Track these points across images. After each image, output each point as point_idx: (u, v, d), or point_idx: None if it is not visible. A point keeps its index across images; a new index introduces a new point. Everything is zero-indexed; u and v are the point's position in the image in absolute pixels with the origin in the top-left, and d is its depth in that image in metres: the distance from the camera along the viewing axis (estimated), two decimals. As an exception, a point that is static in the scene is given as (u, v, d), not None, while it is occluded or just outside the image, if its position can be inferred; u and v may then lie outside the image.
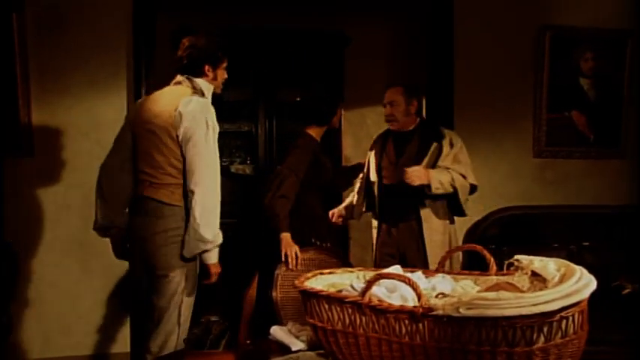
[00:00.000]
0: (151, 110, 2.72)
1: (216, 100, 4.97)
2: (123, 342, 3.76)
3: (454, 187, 3.23)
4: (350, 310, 1.73)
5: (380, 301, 1.68)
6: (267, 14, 4.90)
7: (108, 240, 3.69)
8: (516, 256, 1.94)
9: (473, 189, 3.35)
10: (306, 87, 5.06)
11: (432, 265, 3.14)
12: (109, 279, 3.78)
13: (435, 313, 1.54)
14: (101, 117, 3.71)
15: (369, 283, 1.68)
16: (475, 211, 4.15)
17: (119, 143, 2.81)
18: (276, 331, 2.09)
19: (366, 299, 1.68)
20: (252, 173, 5.10)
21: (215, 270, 2.63)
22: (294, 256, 3.00)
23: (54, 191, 3.70)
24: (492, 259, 1.99)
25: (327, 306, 1.79)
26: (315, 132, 3.51)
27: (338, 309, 1.76)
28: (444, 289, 1.88)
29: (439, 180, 3.21)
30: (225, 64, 2.90)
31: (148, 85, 3.79)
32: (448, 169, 3.26)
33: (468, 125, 4.18)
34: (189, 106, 2.73)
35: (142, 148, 2.72)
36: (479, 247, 2.00)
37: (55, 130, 3.68)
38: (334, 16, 5.03)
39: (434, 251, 3.19)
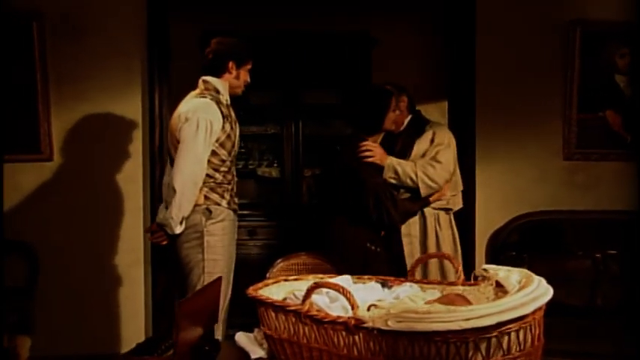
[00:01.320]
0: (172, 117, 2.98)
1: (243, 103, 5.07)
2: (138, 341, 3.81)
3: (414, 182, 3.07)
4: (293, 319, 1.66)
5: (318, 310, 1.60)
6: (292, 17, 4.89)
7: (123, 242, 3.83)
8: (484, 266, 1.82)
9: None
10: (332, 89, 5.05)
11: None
12: (124, 280, 3.84)
13: (365, 325, 1.46)
14: (116, 122, 3.79)
15: (308, 292, 1.61)
16: (497, 216, 4.01)
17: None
18: (241, 338, 2.03)
19: (305, 308, 1.61)
20: (279, 176, 5.09)
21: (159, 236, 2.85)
22: None
23: (71, 194, 3.80)
24: (460, 269, 1.87)
25: (273, 314, 1.73)
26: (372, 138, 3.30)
27: (283, 317, 1.69)
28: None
29: (395, 169, 3.08)
30: (249, 66, 3.00)
31: (162, 91, 3.84)
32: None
33: (491, 127, 4.05)
34: (186, 107, 2.84)
35: (171, 154, 2.94)
36: (447, 255, 1.89)
37: (72, 135, 3.79)
38: (360, 17, 4.97)
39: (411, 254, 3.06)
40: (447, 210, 3.21)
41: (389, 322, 1.41)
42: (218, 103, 2.86)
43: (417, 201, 3.10)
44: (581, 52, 4.05)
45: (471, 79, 4.04)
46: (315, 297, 1.65)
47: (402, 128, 3.29)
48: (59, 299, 3.76)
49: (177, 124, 2.83)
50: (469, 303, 1.64)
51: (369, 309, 1.54)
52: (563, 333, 3.44)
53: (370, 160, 3.08)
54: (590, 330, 3.41)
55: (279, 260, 2.88)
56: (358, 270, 2.92)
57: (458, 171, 3.31)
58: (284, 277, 2.04)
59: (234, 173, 3.01)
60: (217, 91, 2.91)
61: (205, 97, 2.86)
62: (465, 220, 4.06)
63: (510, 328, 1.41)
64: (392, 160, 3.11)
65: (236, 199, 3.00)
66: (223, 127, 2.85)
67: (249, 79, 3.04)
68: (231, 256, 2.90)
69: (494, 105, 4.03)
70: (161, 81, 3.88)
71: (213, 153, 2.84)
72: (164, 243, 2.91)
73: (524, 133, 4.06)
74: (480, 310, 1.38)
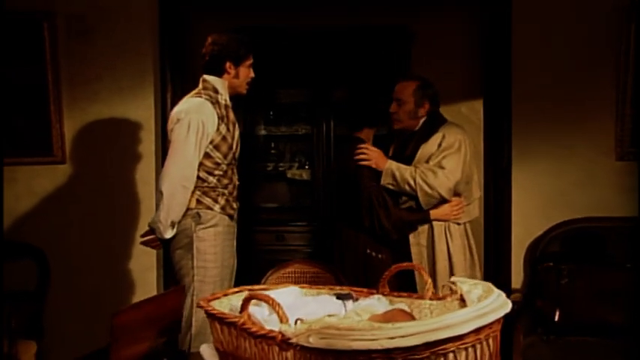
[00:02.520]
0: None
1: (272, 103, 5.08)
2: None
3: (412, 189, 2.99)
4: (235, 332, 1.64)
5: (254, 323, 1.57)
6: (324, 11, 4.86)
7: (137, 245, 3.90)
8: (452, 278, 1.74)
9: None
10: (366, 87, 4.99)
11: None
12: (138, 285, 3.93)
13: (291, 341, 1.41)
14: (129, 124, 3.88)
15: (244, 303, 1.58)
16: (536, 223, 3.84)
17: None
18: (205, 350, 2.03)
19: (241, 321, 1.58)
20: (309, 178, 5.07)
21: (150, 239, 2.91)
22: None
23: (84, 197, 3.91)
24: (430, 281, 1.78)
25: (218, 326, 1.71)
26: (365, 135, 3.34)
27: (226, 329, 1.68)
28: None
29: (393, 174, 3.00)
30: (249, 62, 3.01)
31: (175, 91, 3.91)
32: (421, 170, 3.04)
33: (529, 124, 3.89)
34: (179, 107, 2.87)
35: None
36: (417, 267, 1.81)
37: (85, 137, 3.90)
38: (396, 11, 4.87)
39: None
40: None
41: (310, 339, 1.36)
42: (214, 103, 2.88)
43: (415, 212, 3.00)
44: (638, 38, 3.80)
45: (507, 71, 3.87)
46: (253, 309, 1.62)
47: (415, 129, 3.19)
48: (71, 304, 3.88)
49: (170, 125, 2.87)
50: (413, 319, 1.55)
51: (295, 323, 1.48)
52: (605, 355, 3.25)
53: (366, 163, 3.01)
54: (637, 353, 3.19)
55: (271, 271, 2.87)
56: (361, 277, 2.90)
57: (475, 177, 3.20)
58: (249, 287, 2.01)
59: (234, 177, 3.01)
60: (216, 91, 2.93)
61: (201, 96, 2.89)
62: (499, 227, 3.93)
63: (446, 349, 1.34)
64: (391, 165, 3.04)
65: (235, 205, 3.00)
66: (218, 128, 2.86)
67: (252, 74, 3.04)
68: (224, 264, 2.89)
69: (533, 100, 3.86)
70: (174, 81, 3.94)
71: (207, 156, 2.86)
72: (156, 248, 2.96)
73: (568, 131, 3.85)
74: (407, 329, 1.31)
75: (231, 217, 2.96)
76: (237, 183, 3.04)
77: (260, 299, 1.51)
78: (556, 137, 3.86)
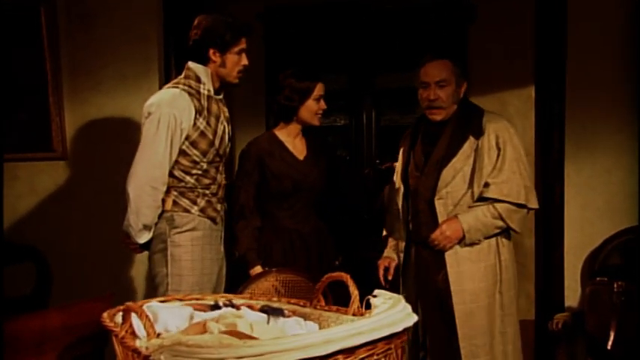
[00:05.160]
0: None
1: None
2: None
3: (505, 223, 2.94)
4: (118, 344, 1.68)
5: (133, 334, 1.60)
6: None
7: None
8: (376, 291, 1.70)
9: (522, 206, 2.96)
10: (413, 71, 4.90)
11: (456, 298, 2.93)
12: (141, 287, 4.08)
13: (152, 357, 1.44)
14: (133, 115, 4.02)
15: (124, 315, 1.62)
16: (594, 231, 3.66)
17: None
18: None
19: (121, 333, 1.61)
20: (348, 175, 5.06)
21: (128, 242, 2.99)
22: None
23: (87, 195, 4.11)
24: (356, 293, 1.76)
25: (113, 337, 1.76)
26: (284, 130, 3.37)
27: (115, 340, 1.72)
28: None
29: (476, 227, 2.93)
30: (237, 49, 2.98)
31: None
32: (489, 200, 2.93)
33: (585, 113, 3.68)
34: (150, 99, 2.92)
35: None
36: (345, 277, 1.78)
37: (87, 130, 4.11)
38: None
39: (460, 283, 2.94)
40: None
41: (162, 356, 1.39)
42: (193, 94, 2.91)
43: None
44: None
45: (561, 57, 3.71)
46: (136, 321, 1.65)
47: (444, 118, 3.06)
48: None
49: (142, 119, 2.94)
50: (248, 338, 1.55)
51: (158, 336, 1.50)
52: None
53: (450, 246, 2.95)
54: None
55: (251, 278, 2.90)
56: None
57: None
58: (180, 296, 2.05)
59: (219, 177, 3.05)
60: (199, 80, 2.96)
61: (178, 87, 2.93)
62: (549, 233, 3.76)
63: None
64: (464, 223, 2.93)
65: (219, 206, 3.06)
66: (195, 123, 2.89)
67: (246, 62, 3.02)
68: (203, 272, 2.95)
69: (588, 87, 3.69)
70: (180, 68, 4.01)
71: (183, 153, 2.91)
72: (136, 251, 3.06)
73: (629, 124, 3.64)
74: (258, 348, 1.31)
75: (213, 219, 3.01)
76: (223, 183, 3.08)
77: (133, 311, 1.54)
78: (617, 130, 3.68)
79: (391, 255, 3.24)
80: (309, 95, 3.22)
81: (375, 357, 1.39)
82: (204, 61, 2.97)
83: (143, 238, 2.93)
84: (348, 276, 1.79)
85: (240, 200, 3.20)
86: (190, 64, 3.00)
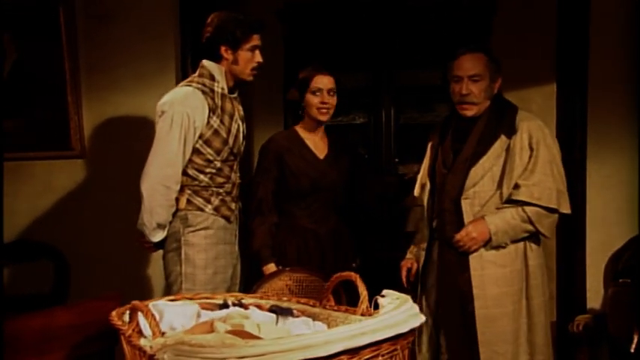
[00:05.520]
0: None
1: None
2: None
3: (534, 226, 2.86)
4: (125, 342, 1.70)
5: (139, 332, 1.61)
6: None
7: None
8: (384, 291, 1.69)
9: (553, 210, 2.89)
10: (434, 67, 4.86)
11: (478, 302, 2.87)
12: (157, 284, 4.09)
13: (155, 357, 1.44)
14: (150, 114, 4.02)
15: (132, 313, 1.62)
16: (618, 230, 3.62)
17: None
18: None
19: (128, 331, 1.62)
20: (367, 174, 5.03)
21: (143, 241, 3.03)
22: None
23: (105, 193, 4.14)
24: (365, 293, 1.74)
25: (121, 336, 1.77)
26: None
27: (122, 339, 1.73)
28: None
29: (504, 230, 2.84)
30: (249, 45, 2.98)
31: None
32: (518, 203, 2.85)
33: (607, 114, 3.68)
34: (164, 98, 2.93)
35: None
36: (354, 276, 1.77)
37: (104, 129, 4.13)
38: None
39: (483, 287, 2.88)
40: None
41: (165, 355, 1.39)
42: (207, 92, 2.93)
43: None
44: None
45: (584, 52, 3.66)
46: (143, 320, 1.66)
47: (476, 114, 2.98)
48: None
49: (156, 117, 2.95)
50: (254, 338, 1.54)
51: (163, 335, 1.51)
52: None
53: (476, 247, 2.88)
54: None
55: (264, 278, 2.90)
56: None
57: None
58: (190, 295, 2.06)
59: (233, 175, 3.06)
60: (212, 78, 2.98)
61: (191, 85, 2.94)
62: (571, 232, 3.71)
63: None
64: (491, 225, 2.84)
65: (233, 205, 3.06)
66: (209, 121, 2.90)
67: (259, 59, 3.01)
68: (217, 271, 2.95)
69: (614, 82, 3.66)
70: (196, 67, 4.03)
71: (197, 152, 2.92)
72: (150, 250, 3.07)
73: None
74: (259, 348, 1.31)
75: (227, 218, 3.01)
76: (237, 182, 3.09)
77: (140, 310, 1.54)
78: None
79: (414, 256, 3.19)
80: (307, 87, 3.19)
81: (381, 358, 1.38)
82: (217, 58, 2.99)
83: (157, 236, 2.94)
84: (357, 276, 1.78)
85: (258, 195, 3.19)
86: (204, 62, 3.02)
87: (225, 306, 1.84)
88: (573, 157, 3.68)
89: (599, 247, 3.67)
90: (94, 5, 4.08)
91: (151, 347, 1.42)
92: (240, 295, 2.00)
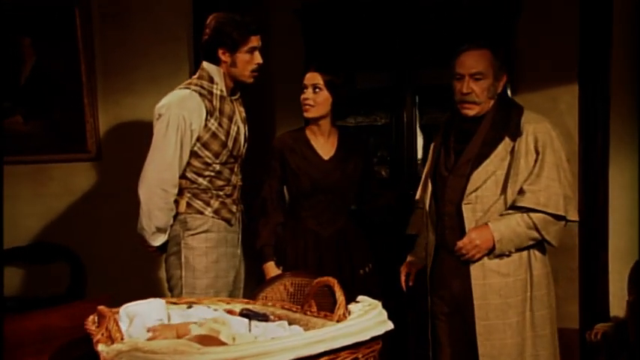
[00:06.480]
0: None
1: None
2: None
3: (532, 235, 2.75)
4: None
5: (109, 337, 1.60)
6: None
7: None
8: (359, 297, 1.65)
9: (561, 218, 2.77)
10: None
11: (479, 313, 2.78)
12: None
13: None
14: (164, 116, 4.07)
15: (99, 318, 1.62)
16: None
17: None
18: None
19: (97, 335, 1.61)
20: (388, 176, 4.98)
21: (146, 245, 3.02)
22: None
23: (121, 196, 4.12)
24: (342, 299, 1.70)
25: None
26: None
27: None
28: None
29: (509, 237, 2.73)
30: (247, 47, 2.95)
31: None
32: (522, 209, 2.74)
33: (629, 114, 3.55)
34: (162, 101, 2.94)
35: None
36: (332, 281, 1.74)
37: (120, 131, 4.18)
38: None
39: (485, 297, 2.78)
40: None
41: (121, 360, 1.37)
42: (205, 94, 2.92)
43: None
44: None
45: (606, 50, 3.56)
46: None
47: (478, 114, 2.85)
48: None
49: (153, 120, 2.96)
50: (221, 344, 1.52)
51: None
52: None
53: (480, 255, 2.77)
54: None
55: (266, 282, 2.88)
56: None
57: None
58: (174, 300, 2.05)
59: (234, 178, 3.05)
60: (212, 80, 2.97)
61: (190, 87, 2.94)
62: (594, 237, 3.62)
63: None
64: (495, 232, 2.73)
65: (234, 208, 3.05)
66: (206, 124, 2.90)
67: (259, 60, 2.98)
68: (218, 275, 2.95)
69: (637, 82, 3.51)
70: (210, 68, 4.06)
71: (195, 155, 2.92)
72: (156, 255, 3.08)
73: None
74: (213, 354, 1.28)
75: (228, 221, 3.01)
76: (238, 184, 3.08)
77: (104, 314, 1.53)
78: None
79: (414, 260, 3.13)
80: (303, 84, 3.17)
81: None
82: (215, 61, 2.97)
83: (158, 240, 2.95)
84: (335, 281, 1.75)
85: (263, 194, 3.19)
86: (204, 64, 3.01)
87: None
88: (595, 158, 3.58)
89: (623, 252, 3.55)
90: (108, 6, 4.13)
91: (107, 353, 1.41)
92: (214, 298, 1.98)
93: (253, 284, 3.23)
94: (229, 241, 3.02)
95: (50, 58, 4.15)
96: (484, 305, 2.76)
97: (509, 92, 4.56)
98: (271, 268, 3.07)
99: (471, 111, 2.86)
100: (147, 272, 4.16)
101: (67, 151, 4.18)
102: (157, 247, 3.00)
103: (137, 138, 4.11)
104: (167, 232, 2.95)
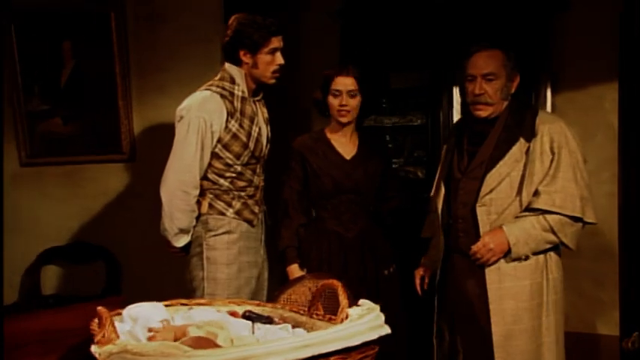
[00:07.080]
0: None
1: (382, 89, 5.03)
2: None
3: (548, 238, 2.69)
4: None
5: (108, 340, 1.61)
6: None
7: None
8: (361, 301, 1.62)
9: (577, 219, 2.71)
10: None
11: (495, 318, 2.72)
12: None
13: (108, 362, 1.44)
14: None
15: (100, 320, 1.63)
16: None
17: None
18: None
19: (98, 337, 1.62)
20: (424, 177, 4.92)
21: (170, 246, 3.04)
22: None
23: (156, 197, 4.19)
24: (345, 302, 1.68)
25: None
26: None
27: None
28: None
29: (524, 240, 2.68)
30: (268, 48, 2.97)
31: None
32: (537, 210, 2.69)
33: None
34: (182, 103, 2.95)
35: None
36: (336, 284, 1.71)
37: (153, 132, 4.23)
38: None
39: (501, 301, 2.72)
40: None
41: (111, 361, 1.37)
42: (226, 96, 2.94)
43: None
44: None
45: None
46: (119, 325, 1.67)
47: (491, 115, 2.81)
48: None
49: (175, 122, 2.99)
50: (216, 347, 1.51)
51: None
52: None
53: (494, 259, 2.72)
54: None
55: (287, 284, 2.88)
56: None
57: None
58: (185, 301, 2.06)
59: (255, 179, 3.07)
60: (233, 82, 2.98)
61: (211, 89, 2.96)
62: (632, 239, 3.49)
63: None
64: (511, 235, 2.68)
65: (256, 209, 3.06)
66: (227, 125, 2.91)
67: (281, 61, 2.99)
68: (241, 276, 2.96)
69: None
70: (241, 70, 4.07)
71: (216, 156, 2.95)
72: (179, 255, 3.09)
73: None
74: (198, 358, 1.26)
75: (250, 222, 3.02)
76: (260, 185, 3.09)
77: (101, 317, 1.54)
78: None
79: (428, 263, 3.08)
80: (328, 88, 3.14)
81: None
82: (237, 62, 2.98)
83: (181, 241, 2.97)
84: (340, 284, 1.73)
85: (284, 196, 3.19)
86: (226, 65, 3.03)
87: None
88: (636, 157, 3.46)
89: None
90: (142, 9, 4.19)
91: (99, 354, 1.42)
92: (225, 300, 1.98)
93: (276, 286, 3.23)
94: (252, 242, 3.03)
95: (87, 62, 4.23)
96: (500, 310, 2.72)
97: (549, 92, 4.54)
98: (295, 271, 3.06)
99: (484, 112, 2.82)
100: (180, 271, 4.18)
101: (103, 152, 4.26)
102: (181, 248, 3.02)
103: (169, 139, 4.13)
104: (190, 233, 2.97)
